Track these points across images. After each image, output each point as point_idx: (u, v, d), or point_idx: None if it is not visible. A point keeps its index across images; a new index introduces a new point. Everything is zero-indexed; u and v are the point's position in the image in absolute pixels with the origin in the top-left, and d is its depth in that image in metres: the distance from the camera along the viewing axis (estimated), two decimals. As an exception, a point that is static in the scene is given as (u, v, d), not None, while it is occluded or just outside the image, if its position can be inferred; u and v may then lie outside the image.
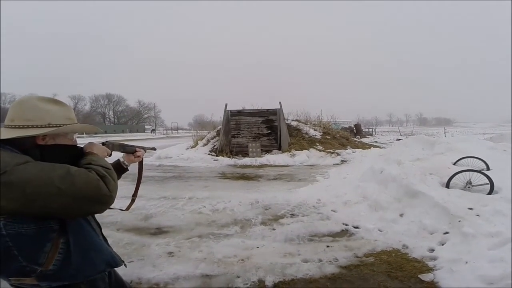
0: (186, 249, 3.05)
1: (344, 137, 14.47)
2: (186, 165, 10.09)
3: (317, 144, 12.25)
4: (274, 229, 3.64)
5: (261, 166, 9.88)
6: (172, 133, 48.57)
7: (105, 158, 1.16)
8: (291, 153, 11.25)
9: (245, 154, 11.58)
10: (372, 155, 10.03)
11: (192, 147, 13.42)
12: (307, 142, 12.25)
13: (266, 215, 4.22)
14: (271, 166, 9.85)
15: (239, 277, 2.50)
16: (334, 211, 4.24)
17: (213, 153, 11.91)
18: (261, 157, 11.07)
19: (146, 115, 77.58)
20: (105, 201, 0.95)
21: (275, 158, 10.75)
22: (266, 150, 11.99)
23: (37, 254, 0.88)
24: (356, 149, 12.43)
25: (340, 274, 2.52)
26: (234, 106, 13.09)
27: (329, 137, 13.27)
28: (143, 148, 1.44)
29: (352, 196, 4.71)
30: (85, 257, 0.98)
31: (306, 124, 14.54)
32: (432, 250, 2.85)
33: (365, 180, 5.17)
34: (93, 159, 1.04)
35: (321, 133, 13.49)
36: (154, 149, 1.48)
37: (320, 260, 2.77)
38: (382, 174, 4.81)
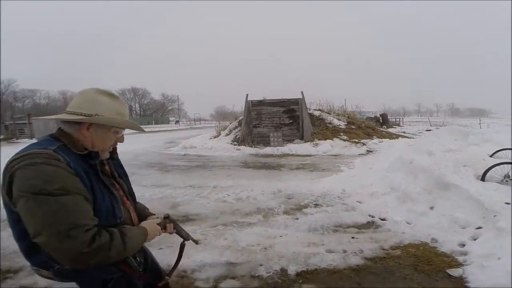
0: (211, 237, 3.14)
1: (370, 127, 13.98)
2: (210, 155, 10.32)
3: (341, 133, 11.96)
4: (297, 219, 3.65)
5: (283, 155, 9.86)
6: (195, 124, 49.60)
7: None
8: (314, 142, 11.10)
9: (267, 144, 11.60)
10: (400, 145, 9.65)
11: (215, 137, 13.65)
12: (330, 132, 12.01)
13: (289, 205, 4.23)
14: (293, 155, 9.81)
15: (262, 265, 2.53)
16: (359, 202, 4.16)
17: (235, 143, 12.06)
18: (283, 146, 11.04)
19: (170, 107, 79.83)
20: (72, 265, 0.91)
21: (297, 147, 10.67)
22: (288, 139, 11.92)
23: None
24: (383, 139, 12.01)
25: (365, 265, 2.49)
26: (255, 97, 13.11)
27: (354, 127, 12.90)
28: (188, 235, 1.38)
29: (379, 187, 4.58)
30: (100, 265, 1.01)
31: (329, 113, 14.20)
32: (463, 245, 2.72)
33: (393, 170, 4.99)
34: (127, 234, 1.00)
35: (346, 123, 13.14)
36: (196, 242, 1.45)
37: (345, 251, 2.74)
38: (411, 165, 4.62)
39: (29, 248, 0.95)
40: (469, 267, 2.33)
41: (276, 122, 12.57)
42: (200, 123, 53.07)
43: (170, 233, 1.26)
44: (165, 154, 11.00)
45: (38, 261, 0.99)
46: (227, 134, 13.41)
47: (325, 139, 11.28)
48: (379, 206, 3.88)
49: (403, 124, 31.14)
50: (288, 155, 9.94)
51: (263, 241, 3.01)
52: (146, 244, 1.28)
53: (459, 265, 2.41)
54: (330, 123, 12.88)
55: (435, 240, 2.88)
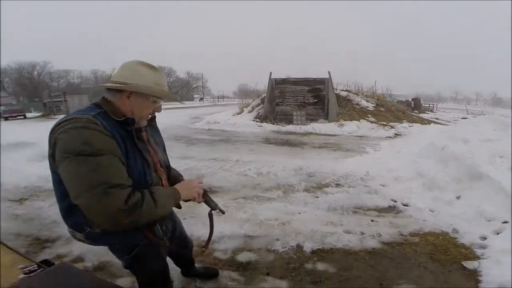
0: (232, 209, 3.25)
1: (400, 111, 13.30)
2: (233, 130, 10.48)
3: (369, 115, 11.53)
4: (317, 197, 3.66)
5: (306, 133, 9.78)
6: (218, 101, 49.89)
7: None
8: (339, 123, 10.83)
9: (289, 122, 11.51)
10: (432, 131, 9.16)
11: (238, 114, 13.76)
12: (357, 113, 11.62)
13: (310, 183, 4.24)
14: (316, 134, 9.69)
15: (278, 240, 2.60)
16: (383, 186, 4.08)
17: (257, 120, 12.08)
18: (306, 125, 10.89)
19: (194, 85, 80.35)
20: (109, 225, 0.96)
21: (321, 127, 10.50)
22: (312, 119, 11.72)
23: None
24: (413, 124, 11.43)
25: (381, 249, 2.49)
26: (279, 75, 12.82)
27: (383, 109, 12.35)
28: (216, 205, 1.41)
29: (405, 171, 4.43)
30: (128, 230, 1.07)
31: (357, 94, 13.66)
32: (484, 238, 2.61)
33: (422, 156, 4.77)
34: (155, 192, 1.06)
35: (374, 105, 12.61)
36: (223, 212, 1.47)
37: (362, 233, 2.75)
38: (443, 151, 4.39)
39: (67, 209, 1.04)
40: (486, 261, 2.25)
41: (300, 100, 12.33)
42: (224, 100, 53.22)
43: (199, 202, 1.31)
44: (190, 128, 11.31)
45: (73, 223, 1.08)
46: (250, 111, 13.42)
47: (351, 120, 10.96)
48: (403, 191, 3.77)
49: (436, 110, 29.19)
50: (311, 133, 9.82)
51: (281, 217, 3.08)
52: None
53: (476, 258, 2.33)
54: (357, 104, 12.41)
55: (456, 231, 2.79)
